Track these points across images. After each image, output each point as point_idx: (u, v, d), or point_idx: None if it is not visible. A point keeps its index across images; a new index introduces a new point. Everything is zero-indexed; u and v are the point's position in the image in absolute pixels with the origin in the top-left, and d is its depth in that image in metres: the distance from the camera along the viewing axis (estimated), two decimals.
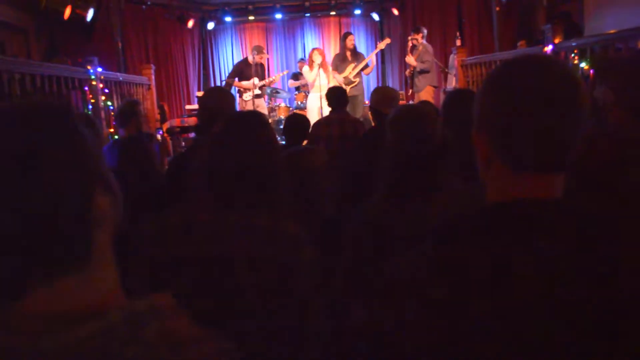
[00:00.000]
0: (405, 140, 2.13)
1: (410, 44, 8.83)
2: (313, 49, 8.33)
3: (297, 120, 4.32)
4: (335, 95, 5.10)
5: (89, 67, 5.87)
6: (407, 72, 8.90)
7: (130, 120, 4.40)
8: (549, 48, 5.90)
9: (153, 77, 8.62)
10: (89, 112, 5.36)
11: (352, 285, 2.20)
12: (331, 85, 7.94)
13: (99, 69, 6.03)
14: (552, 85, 0.97)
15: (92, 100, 5.85)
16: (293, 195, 2.40)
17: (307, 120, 4.45)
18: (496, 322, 0.90)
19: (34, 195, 0.74)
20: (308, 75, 8.27)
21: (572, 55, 5.62)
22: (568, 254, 0.91)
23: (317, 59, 8.01)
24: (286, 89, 10.37)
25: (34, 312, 0.76)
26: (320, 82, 7.90)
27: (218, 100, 3.06)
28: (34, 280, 0.77)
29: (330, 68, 8.20)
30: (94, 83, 5.89)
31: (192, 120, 9.95)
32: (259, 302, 1.72)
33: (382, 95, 4.12)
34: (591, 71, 5.36)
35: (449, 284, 0.93)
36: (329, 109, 5.22)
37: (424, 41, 8.57)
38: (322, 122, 5.10)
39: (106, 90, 6.19)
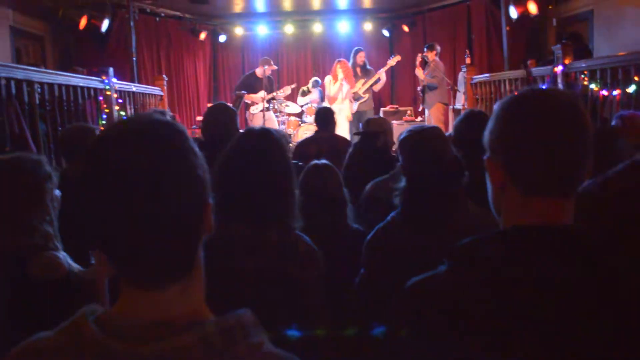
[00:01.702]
0: (415, 160, 2.16)
1: (419, 59, 8.90)
2: (337, 62, 8.31)
3: (325, 111, 5.05)
4: (324, 115, 5.11)
5: (104, 77, 5.95)
6: (419, 88, 8.97)
7: None
8: (559, 69, 5.95)
9: (165, 88, 8.71)
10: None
11: (368, 301, 2.23)
12: (346, 99, 7.99)
13: (114, 79, 6.11)
14: (561, 115, 1.03)
15: (107, 110, 5.93)
16: (316, 210, 2.43)
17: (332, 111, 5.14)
18: (510, 344, 0.93)
19: (161, 209, 0.77)
20: (330, 87, 8.28)
21: (582, 76, 5.66)
22: (575, 280, 0.95)
23: (340, 73, 8.01)
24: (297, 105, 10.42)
25: (138, 319, 0.79)
26: (342, 95, 7.94)
27: (221, 116, 3.15)
28: (145, 285, 0.81)
29: (351, 80, 8.23)
30: (108, 93, 5.97)
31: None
32: (268, 316, 1.74)
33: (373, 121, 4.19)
34: (600, 92, 5.40)
35: (464, 307, 0.97)
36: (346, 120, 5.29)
37: (437, 58, 8.64)
38: (310, 139, 5.10)
39: (120, 100, 6.26)
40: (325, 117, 5.08)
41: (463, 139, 2.79)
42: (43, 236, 1.88)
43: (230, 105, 7.36)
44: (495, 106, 1.15)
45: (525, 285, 0.95)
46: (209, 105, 10.95)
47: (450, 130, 8.74)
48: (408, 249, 2.06)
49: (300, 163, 3.19)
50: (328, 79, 8.44)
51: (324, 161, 2.74)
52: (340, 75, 8.13)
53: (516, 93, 1.13)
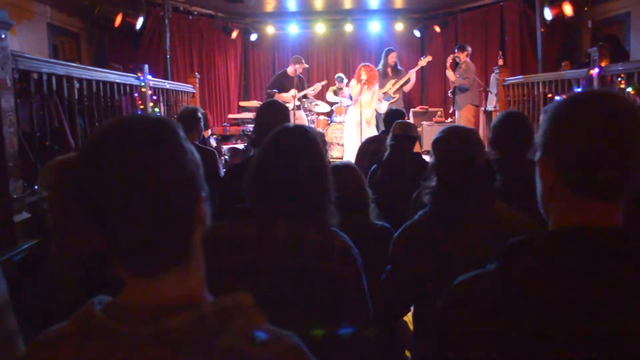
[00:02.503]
0: (447, 161, 2.17)
1: (450, 59, 8.85)
2: (362, 66, 8.29)
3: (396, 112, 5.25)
4: (392, 117, 5.20)
5: (139, 74, 6.04)
6: (449, 91, 8.93)
7: (195, 127, 4.49)
8: (594, 71, 5.86)
9: (197, 85, 8.81)
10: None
11: (393, 298, 2.23)
12: (374, 103, 7.98)
13: (149, 76, 6.21)
14: (617, 117, 1.03)
15: (142, 107, 6.02)
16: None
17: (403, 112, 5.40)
18: (561, 346, 0.93)
19: (154, 199, 0.84)
20: (353, 89, 8.31)
21: (619, 79, 5.57)
22: (632, 282, 0.95)
23: (364, 76, 8.02)
24: (326, 103, 10.44)
25: (138, 303, 0.86)
26: (362, 98, 7.94)
27: (274, 114, 3.10)
28: (141, 274, 0.88)
29: (377, 86, 8.19)
30: (143, 90, 6.07)
31: (233, 129, 10.10)
32: (306, 315, 1.75)
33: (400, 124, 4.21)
34: (638, 96, 5.31)
35: (518, 307, 0.97)
36: (367, 125, 5.48)
37: (468, 59, 8.58)
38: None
39: (154, 97, 6.36)
40: (393, 119, 5.18)
41: (501, 140, 2.78)
42: None
43: (260, 103, 7.44)
44: (548, 107, 1.15)
45: (577, 286, 0.95)
46: (241, 103, 11.13)
47: (481, 131, 8.70)
48: (435, 247, 2.07)
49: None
50: (353, 82, 8.47)
51: (345, 161, 2.76)
52: (363, 78, 8.12)
53: (564, 96, 1.13)
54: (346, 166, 2.72)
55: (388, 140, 4.13)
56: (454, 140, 2.19)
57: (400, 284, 2.19)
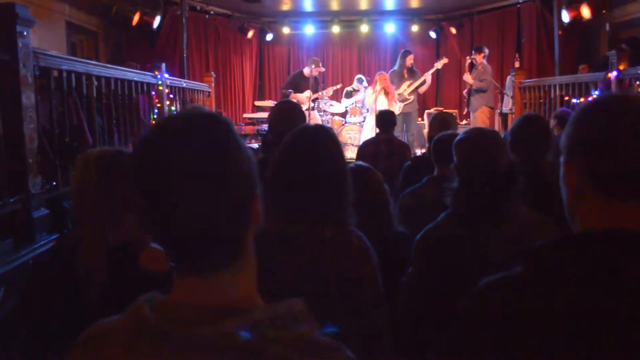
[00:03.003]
0: (470, 163, 2.16)
1: (468, 62, 8.83)
2: (378, 74, 8.42)
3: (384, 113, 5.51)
4: (384, 118, 5.43)
5: (156, 73, 6.08)
6: (465, 91, 8.90)
7: None
8: (613, 74, 5.82)
9: (213, 84, 8.86)
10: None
11: (415, 300, 2.23)
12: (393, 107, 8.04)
13: (166, 75, 6.25)
14: None
15: (159, 105, 6.06)
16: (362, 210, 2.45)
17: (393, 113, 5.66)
18: (590, 351, 0.93)
19: (215, 192, 0.83)
20: (369, 97, 8.38)
21: (637, 83, 5.54)
22: None
23: (380, 84, 8.09)
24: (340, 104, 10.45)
25: (190, 304, 0.84)
26: (376, 105, 7.98)
27: (290, 114, 3.11)
28: (196, 272, 0.86)
29: (394, 94, 8.26)
30: (160, 88, 6.11)
31: (248, 129, 10.14)
32: (323, 314, 1.75)
33: (438, 122, 4.20)
34: None
35: (545, 311, 0.96)
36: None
37: (484, 61, 8.55)
38: (371, 141, 5.47)
39: (171, 96, 6.40)
40: (384, 120, 5.39)
41: (519, 144, 2.77)
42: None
43: (274, 103, 7.47)
44: (558, 111, 1.15)
45: (606, 290, 0.94)
46: (257, 102, 11.16)
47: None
48: (459, 249, 2.06)
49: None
50: (369, 90, 8.53)
51: (363, 164, 2.76)
52: (378, 87, 8.16)
53: (583, 99, 1.13)
54: (367, 168, 2.72)
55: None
56: (478, 142, 2.18)
57: (422, 286, 2.18)
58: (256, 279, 0.92)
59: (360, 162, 2.80)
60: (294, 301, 0.87)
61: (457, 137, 2.26)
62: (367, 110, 8.95)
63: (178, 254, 0.87)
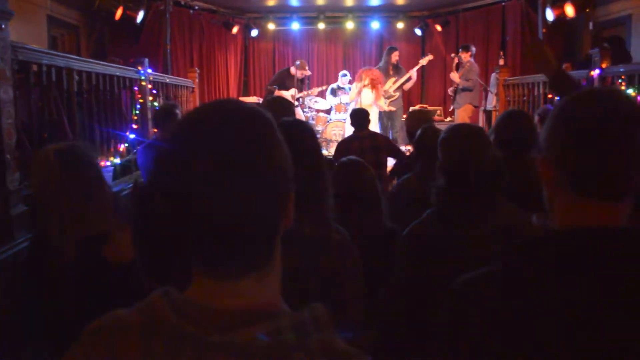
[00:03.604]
0: (455, 160, 2.15)
1: (455, 60, 8.85)
2: (364, 70, 8.34)
3: (358, 112, 5.47)
4: (360, 116, 5.43)
5: (139, 68, 6.02)
6: (451, 89, 8.92)
7: (166, 122, 4.46)
8: (595, 72, 5.85)
9: (197, 80, 8.79)
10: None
11: (401, 298, 2.22)
12: (373, 104, 7.98)
13: (149, 70, 6.18)
14: (616, 116, 1.02)
15: (141, 100, 6.00)
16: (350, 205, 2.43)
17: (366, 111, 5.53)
18: (564, 349, 0.92)
19: (247, 190, 0.76)
20: (352, 91, 8.34)
21: (619, 81, 5.57)
22: (632, 286, 0.94)
23: (363, 80, 8.03)
24: (325, 101, 10.44)
25: (212, 306, 0.79)
26: (362, 101, 7.94)
27: (280, 109, 3.09)
28: (214, 278, 0.81)
29: (380, 89, 8.20)
30: (143, 84, 6.04)
31: None
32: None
33: (417, 118, 4.22)
34: (638, 97, 5.30)
35: (521, 308, 0.96)
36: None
37: (472, 59, 8.57)
38: (353, 136, 5.43)
39: (154, 91, 6.33)
40: (359, 118, 5.40)
41: (503, 139, 2.77)
42: (111, 220, 1.94)
43: (259, 99, 7.45)
44: (541, 109, 1.15)
45: (579, 288, 0.94)
46: (241, 99, 11.12)
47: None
48: (442, 246, 2.06)
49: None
50: (354, 85, 8.50)
51: (353, 157, 2.74)
52: (365, 82, 8.11)
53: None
54: (357, 161, 2.69)
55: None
56: (463, 140, 2.18)
57: (407, 283, 2.17)
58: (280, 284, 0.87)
59: (352, 157, 2.78)
60: (316, 306, 0.83)
61: (441, 135, 2.25)
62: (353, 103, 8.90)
63: (200, 257, 0.81)
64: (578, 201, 1.04)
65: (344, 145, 5.29)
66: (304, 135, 1.90)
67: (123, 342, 0.79)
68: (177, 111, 4.57)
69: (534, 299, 0.96)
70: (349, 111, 8.39)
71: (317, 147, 1.93)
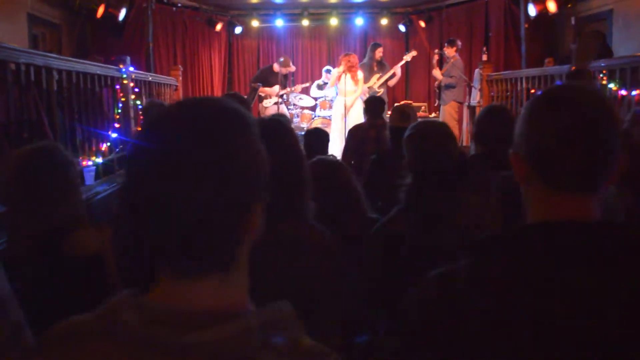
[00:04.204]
0: (421, 157, 2.17)
1: (436, 57, 8.86)
2: (343, 55, 8.30)
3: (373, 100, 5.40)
4: (376, 103, 5.35)
5: (121, 66, 5.97)
6: (436, 84, 8.93)
7: None
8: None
9: (181, 78, 8.74)
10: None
11: (374, 295, 2.23)
12: (358, 92, 7.94)
13: (131, 68, 6.14)
14: (587, 109, 1.03)
15: (123, 99, 5.95)
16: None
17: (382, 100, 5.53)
18: (533, 343, 0.93)
19: (197, 194, 0.75)
20: (332, 77, 8.29)
21: (601, 75, 5.61)
22: (603, 282, 0.94)
23: (344, 64, 7.96)
24: (310, 97, 10.41)
25: (178, 307, 0.77)
26: (345, 87, 7.90)
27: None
28: (177, 277, 0.79)
29: (360, 75, 8.15)
30: (125, 82, 6.00)
31: None
32: None
33: (399, 113, 4.22)
34: (619, 92, 5.36)
35: (487, 304, 0.97)
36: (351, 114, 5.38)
37: (457, 55, 8.59)
38: (369, 124, 5.29)
39: (136, 90, 6.29)
40: (374, 105, 5.30)
41: (485, 134, 2.78)
42: (75, 216, 2.01)
43: (245, 96, 7.47)
44: (527, 102, 1.15)
45: (549, 282, 0.95)
46: (248, 95, 11.09)
47: (465, 126, 8.74)
48: (410, 242, 2.07)
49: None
50: (334, 70, 8.43)
51: (329, 155, 2.74)
52: (341, 68, 8.06)
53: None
54: (333, 163, 2.69)
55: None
56: (426, 137, 2.21)
57: (376, 281, 2.18)
58: (248, 287, 0.86)
59: (325, 157, 2.78)
60: (283, 304, 0.82)
61: (407, 133, 2.28)
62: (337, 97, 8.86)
63: (162, 254, 0.80)
64: (550, 195, 1.05)
65: (360, 133, 5.18)
66: (282, 133, 1.87)
67: (82, 351, 0.77)
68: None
69: (499, 295, 0.96)
70: (334, 108, 8.40)
71: (296, 146, 1.90)
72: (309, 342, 0.82)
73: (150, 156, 0.76)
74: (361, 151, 4.96)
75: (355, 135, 5.26)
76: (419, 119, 3.65)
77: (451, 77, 8.43)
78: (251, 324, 0.77)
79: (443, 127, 2.29)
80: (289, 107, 9.73)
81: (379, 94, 8.70)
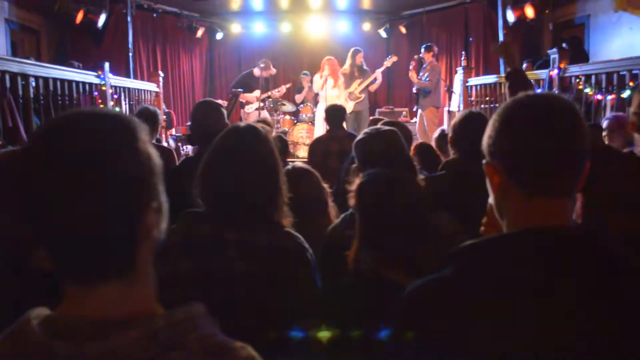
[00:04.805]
0: (368, 163, 2.21)
1: (414, 62, 8.91)
2: (326, 58, 8.33)
3: (334, 109, 5.02)
4: (335, 113, 5.03)
5: (100, 73, 5.93)
6: (414, 89, 8.98)
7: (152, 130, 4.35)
8: (554, 72, 5.97)
9: (161, 84, 8.70)
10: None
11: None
12: (341, 97, 7.97)
13: (110, 75, 6.10)
14: (557, 117, 1.05)
15: (102, 106, 5.91)
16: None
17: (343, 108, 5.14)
18: (521, 352, 0.93)
19: (88, 201, 0.77)
20: (316, 83, 8.31)
21: (577, 80, 5.69)
22: (586, 291, 0.95)
23: (326, 69, 7.98)
24: (292, 102, 10.41)
25: (81, 318, 0.78)
26: (326, 93, 7.91)
27: (209, 113, 3.10)
28: (77, 284, 0.80)
29: (341, 79, 8.17)
30: (104, 88, 5.96)
31: None
32: (259, 320, 1.70)
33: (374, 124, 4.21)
34: (595, 97, 5.43)
35: (474, 311, 0.97)
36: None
37: (434, 60, 8.64)
38: (329, 137, 5.01)
39: (115, 96, 6.25)
40: (335, 115, 4.98)
41: (460, 140, 2.80)
42: None
43: (224, 103, 7.45)
44: (496, 112, 1.16)
45: (537, 289, 0.95)
46: (229, 102, 11.06)
47: (446, 130, 8.78)
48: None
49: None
50: (317, 76, 8.45)
51: (298, 165, 2.75)
52: (326, 72, 8.07)
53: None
54: (303, 170, 2.70)
55: None
56: (374, 141, 2.31)
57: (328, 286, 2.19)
58: (154, 290, 0.87)
59: (296, 164, 2.78)
60: (194, 305, 0.83)
61: (357, 138, 2.37)
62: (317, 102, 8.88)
63: (60, 263, 0.81)
64: (527, 202, 1.05)
65: (321, 147, 4.86)
66: (257, 141, 1.86)
67: None
68: (159, 117, 4.42)
69: (484, 302, 0.97)
70: (316, 114, 8.40)
71: (271, 153, 1.88)
72: (221, 338, 0.83)
73: (40, 164, 0.78)
74: (324, 168, 4.17)
75: (316, 150, 4.90)
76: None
77: (428, 81, 8.47)
78: (157, 327, 0.78)
79: (392, 134, 2.37)
80: (270, 112, 9.72)
81: (360, 100, 8.72)
